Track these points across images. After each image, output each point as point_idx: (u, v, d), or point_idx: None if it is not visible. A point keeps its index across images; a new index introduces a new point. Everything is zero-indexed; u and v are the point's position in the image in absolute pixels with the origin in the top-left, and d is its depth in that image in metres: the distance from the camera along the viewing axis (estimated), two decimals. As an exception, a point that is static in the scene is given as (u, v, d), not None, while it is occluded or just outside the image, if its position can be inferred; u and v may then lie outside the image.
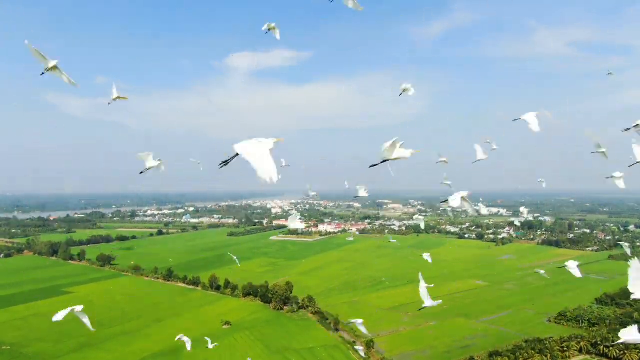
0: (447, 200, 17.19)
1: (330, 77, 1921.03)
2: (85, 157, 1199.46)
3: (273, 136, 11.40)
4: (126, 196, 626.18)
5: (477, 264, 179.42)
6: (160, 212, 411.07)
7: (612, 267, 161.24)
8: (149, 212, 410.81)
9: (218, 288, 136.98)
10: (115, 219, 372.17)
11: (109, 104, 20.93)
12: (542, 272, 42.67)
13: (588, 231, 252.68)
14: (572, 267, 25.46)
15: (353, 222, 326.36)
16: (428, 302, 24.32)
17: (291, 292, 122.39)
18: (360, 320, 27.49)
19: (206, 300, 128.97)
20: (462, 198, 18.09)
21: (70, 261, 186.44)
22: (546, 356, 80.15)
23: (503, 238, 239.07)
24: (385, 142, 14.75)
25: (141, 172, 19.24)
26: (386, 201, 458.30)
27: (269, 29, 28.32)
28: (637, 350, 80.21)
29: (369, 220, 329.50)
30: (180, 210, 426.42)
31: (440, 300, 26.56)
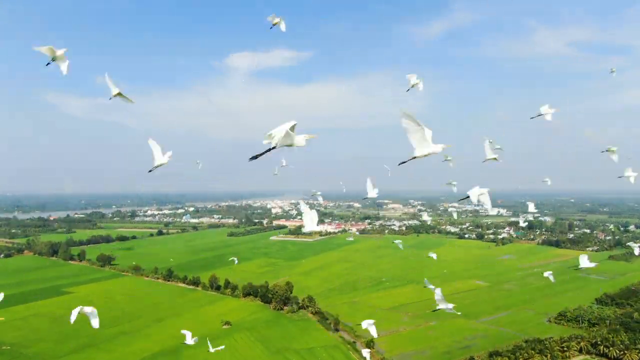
0: (468, 196, 17.18)
1: (330, 77, 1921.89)
2: (85, 157, 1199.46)
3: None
4: (126, 196, 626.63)
5: (477, 264, 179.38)
6: (160, 212, 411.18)
7: (612, 267, 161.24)
8: (149, 212, 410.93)
9: (218, 288, 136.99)
10: (115, 219, 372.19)
11: (110, 99, 19.83)
12: (549, 275, 42.48)
13: (588, 231, 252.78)
14: (585, 263, 25.65)
15: (353, 222, 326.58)
16: (445, 305, 24.75)
17: (291, 292, 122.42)
18: (371, 321, 27.06)
19: (206, 300, 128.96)
20: (482, 194, 19.40)
21: (70, 261, 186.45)
22: (546, 356, 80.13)
23: (503, 238, 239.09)
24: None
25: (150, 171, 19.16)
26: (386, 201, 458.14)
27: (274, 24, 28.09)
28: (637, 350, 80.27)
29: (369, 220, 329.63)
30: (180, 210, 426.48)
31: (453, 305, 26.79)
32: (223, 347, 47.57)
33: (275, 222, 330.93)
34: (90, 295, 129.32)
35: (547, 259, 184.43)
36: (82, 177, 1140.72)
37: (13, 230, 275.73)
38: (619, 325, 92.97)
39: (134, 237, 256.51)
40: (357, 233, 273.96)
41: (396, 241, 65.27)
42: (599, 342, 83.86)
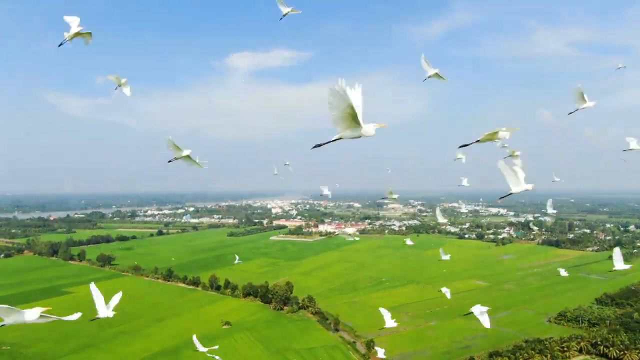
0: (511, 192, 17.18)
1: (330, 77, 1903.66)
2: (85, 157, 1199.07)
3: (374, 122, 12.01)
4: (126, 196, 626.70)
5: (477, 264, 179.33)
6: (160, 212, 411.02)
7: (612, 267, 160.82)
8: (149, 212, 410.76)
9: (218, 288, 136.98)
10: (115, 219, 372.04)
11: (115, 88, 23.58)
12: (564, 272, 42.53)
13: (588, 231, 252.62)
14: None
15: (353, 222, 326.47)
16: (482, 316, 25.67)
17: (291, 292, 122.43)
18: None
19: (206, 300, 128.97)
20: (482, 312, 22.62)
21: (70, 261, 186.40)
22: (546, 356, 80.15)
23: (503, 238, 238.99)
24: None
25: (169, 161, 19.23)
26: (386, 201, 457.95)
27: (285, 14, 27.55)
28: (637, 351, 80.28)
29: (369, 220, 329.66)
30: (180, 210, 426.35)
31: (487, 308, 27.03)
32: (217, 347, 45.25)
33: (275, 222, 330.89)
34: (90, 296, 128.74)
35: (547, 259, 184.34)
36: (82, 177, 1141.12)
37: (13, 230, 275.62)
38: (619, 326, 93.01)
39: (134, 237, 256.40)
40: (357, 233, 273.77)
41: (407, 241, 65.53)
42: (599, 342, 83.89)
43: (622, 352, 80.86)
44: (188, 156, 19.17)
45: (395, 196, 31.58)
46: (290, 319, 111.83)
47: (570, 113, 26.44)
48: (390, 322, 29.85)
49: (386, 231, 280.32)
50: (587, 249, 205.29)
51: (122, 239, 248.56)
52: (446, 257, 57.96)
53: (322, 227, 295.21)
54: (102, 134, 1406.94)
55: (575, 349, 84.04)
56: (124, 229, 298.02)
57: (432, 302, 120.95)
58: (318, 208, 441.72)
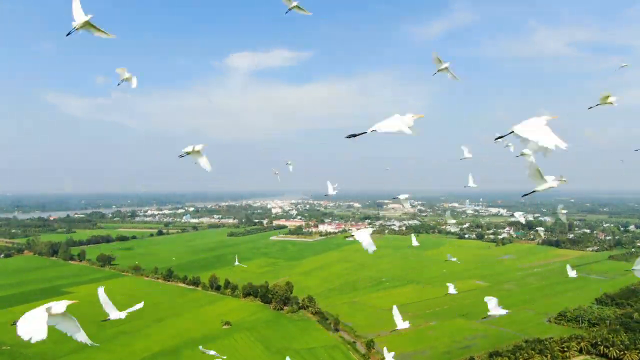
0: (539, 189, 17.15)
1: (330, 77, 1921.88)
2: (85, 157, 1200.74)
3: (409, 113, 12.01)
4: (126, 196, 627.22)
5: (477, 264, 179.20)
6: (160, 212, 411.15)
7: (612, 267, 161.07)
8: (149, 212, 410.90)
9: (218, 288, 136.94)
10: (115, 219, 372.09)
11: (118, 84, 23.72)
12: (571, 270, 41.94)
13: (588, 231, 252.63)
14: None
15: (353, 222, 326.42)
16: (497, 311, 25.20)
17: (291, 292, 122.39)
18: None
19: (206, 300, 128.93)
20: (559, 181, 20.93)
21: (70, 261, 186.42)
22: (546, 356, 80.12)
23: (503, 238, 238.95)
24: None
25: (181, 156, 19.20)
26: (386, 201, 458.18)
27: (290, 8, 27.29)
28: (637, 351, 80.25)
29: (369, 220, 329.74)
30: (180, 210, 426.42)
31: (507, 312, 26.73)
32: (214, 352, 44.43)
33: (275, 222, 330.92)
34: (90, 296, 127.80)
35: (547, 259, 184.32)
36: (82, 177, 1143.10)
37: (13, 230, 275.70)
38: (619, 326, 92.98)
39: (134, 237, 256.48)
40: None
41: (413, 241, 65.54)
42: (599, 342, 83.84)
43: (622, 352, 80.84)
44: (199, 151, 19.08)
45: (406, 196, 31.16)
46: (290, 319, 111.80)
47: (590, 108, 27.47)
48: (402, 324, 29.51)
49: (386, 231, 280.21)
50: (587, 249, 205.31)
51: (122, 239, 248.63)
52: (453, 260, 58.20)
53: (322, 227, 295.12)
54: (102, 134, 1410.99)
55: (575, 349, 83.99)
56: (124, 229, 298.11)
57: (432, 302, 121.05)
58: (318, 208, 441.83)
